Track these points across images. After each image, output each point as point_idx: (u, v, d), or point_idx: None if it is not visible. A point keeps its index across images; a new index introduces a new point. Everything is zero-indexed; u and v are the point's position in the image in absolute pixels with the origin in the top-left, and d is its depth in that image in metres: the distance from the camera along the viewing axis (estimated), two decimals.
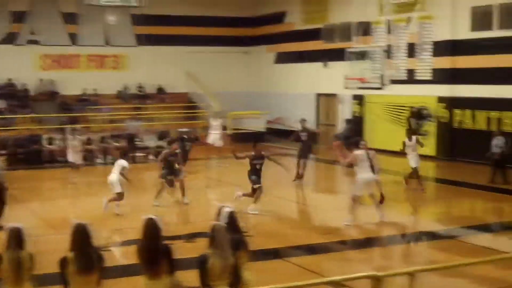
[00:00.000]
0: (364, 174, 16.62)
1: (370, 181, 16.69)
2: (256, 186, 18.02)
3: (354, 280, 8.97)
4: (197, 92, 39.00)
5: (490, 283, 11.97)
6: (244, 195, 18.25)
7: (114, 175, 18.31)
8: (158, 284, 8.08)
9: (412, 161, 21.12)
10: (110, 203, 18.27)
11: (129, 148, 29.02)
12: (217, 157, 29.33)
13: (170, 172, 19.22)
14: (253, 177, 18.08)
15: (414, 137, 21.48)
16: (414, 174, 21.29)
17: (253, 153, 18.15)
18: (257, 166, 18.13)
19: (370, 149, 17.29)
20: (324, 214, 18.65)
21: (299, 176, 22.85)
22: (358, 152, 16.72)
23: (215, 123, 29.70)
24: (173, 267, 8.25)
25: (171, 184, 19.27)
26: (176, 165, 19.26)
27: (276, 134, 37.08)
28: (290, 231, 16.52)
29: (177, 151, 19.61)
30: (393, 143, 27.38)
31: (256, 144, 18.58)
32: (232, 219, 8.66)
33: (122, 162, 18.51)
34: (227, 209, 8.75)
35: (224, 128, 30.41)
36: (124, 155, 19.72)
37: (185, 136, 24.05)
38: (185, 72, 39.55)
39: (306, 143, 23.29)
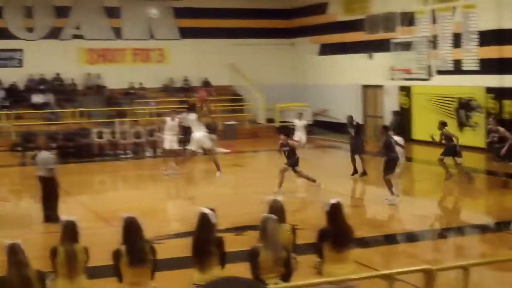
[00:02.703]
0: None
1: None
2: None
3: (406, 274, 8.91)
4: (242, 85, 39.06)
5: None
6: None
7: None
8: (208, 277, 8.13)
9: None
10: None
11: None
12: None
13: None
14: None
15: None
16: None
17: None
18: None
19: None
20: (374, 207, 18.56)
21: (356, 171, 22.62)
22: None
23: (300, 123, 29.07)
24: (224, 258, 8.31)
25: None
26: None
27: (322, 126, 37.02)
28: None
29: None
30: None
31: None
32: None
33: None
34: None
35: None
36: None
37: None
38: (229, 65, 39.63)
39: (356, 138, 23.00)
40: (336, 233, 8.51)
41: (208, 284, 2.72)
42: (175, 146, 24.33)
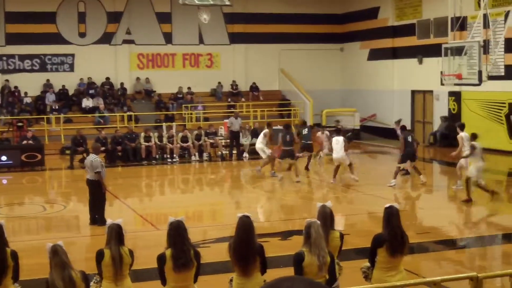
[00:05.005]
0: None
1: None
2: None
3: (453, 281, 8.78)
4: (290, 90, 39.01)
5: None
6: None
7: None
8: (249, 282, 8.11)
9: None
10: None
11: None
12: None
13: None
14: None
15: None
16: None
17: None
18: None
19: None
20: (419, 213, 18.36)
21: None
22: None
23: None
24: (265, 265, 8.27)
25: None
26: None
27: (370, 131, 36.78)
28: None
29: None
30: (491, 141, 26.71)
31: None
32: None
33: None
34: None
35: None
36: None
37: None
38: (278, 70, 39.62)
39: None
40: (391, 239, 8.43)
41: (269, 283, 2.69)
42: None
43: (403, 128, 22.78)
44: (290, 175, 22.98)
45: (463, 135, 19.94)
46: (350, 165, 22.08)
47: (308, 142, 25.11)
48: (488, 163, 19.80)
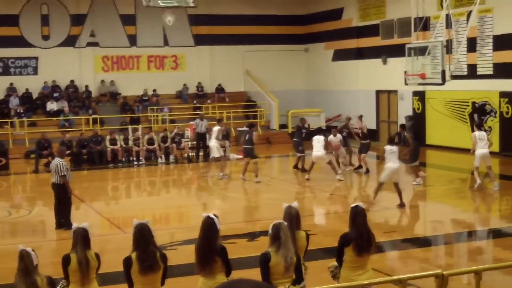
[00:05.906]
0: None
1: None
2: None
3: (419, 279, 8.86)
4: (255, 91, 39.06)
5: None
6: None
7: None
8: (212, 283, 8.13)
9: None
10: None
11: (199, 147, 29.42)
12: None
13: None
14: None
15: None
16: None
17: None
18: None
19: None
20: (385, 212, 18.49)
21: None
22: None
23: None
24: (229, 267, 8.29)
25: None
26: None
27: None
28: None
29: None
30: (455, 139, 27.01)
31: None
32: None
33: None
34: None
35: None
36: None
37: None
38: (244, 71, 39.65)
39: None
40: (358, 237, 8.49)
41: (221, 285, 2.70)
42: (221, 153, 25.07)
43: (404, 126, 24.27)
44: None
45: (476, 133, 20.20)
46: (330, 163, 22.65)
47: (295, 139, 25.45)
48: (450, 161, 20.04)
